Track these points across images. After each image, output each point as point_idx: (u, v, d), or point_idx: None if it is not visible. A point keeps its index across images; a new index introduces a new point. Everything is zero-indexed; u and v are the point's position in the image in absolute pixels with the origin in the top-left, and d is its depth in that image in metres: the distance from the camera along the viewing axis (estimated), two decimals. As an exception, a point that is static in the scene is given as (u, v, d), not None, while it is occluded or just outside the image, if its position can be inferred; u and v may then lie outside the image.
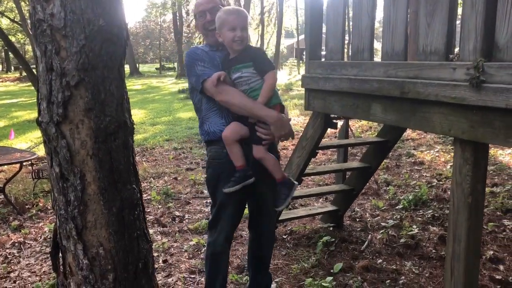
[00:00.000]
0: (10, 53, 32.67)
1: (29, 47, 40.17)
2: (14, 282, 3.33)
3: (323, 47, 3.07)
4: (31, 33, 2.04)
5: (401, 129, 3.71)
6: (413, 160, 6.61)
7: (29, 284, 3.28)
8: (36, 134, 9.76)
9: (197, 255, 3.64)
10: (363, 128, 9.25)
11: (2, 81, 32.58)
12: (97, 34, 1.92)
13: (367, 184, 4.75)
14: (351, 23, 2.77)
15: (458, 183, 1.99)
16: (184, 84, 23.55)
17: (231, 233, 2.65)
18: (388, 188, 5.31)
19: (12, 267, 3.58)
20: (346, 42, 3.45)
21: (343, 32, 2.78)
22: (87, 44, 1.90)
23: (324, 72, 2.86)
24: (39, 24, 1.89)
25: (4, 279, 3.37)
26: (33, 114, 13.32)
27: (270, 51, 40.56)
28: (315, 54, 3.07)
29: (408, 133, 8.21)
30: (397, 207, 4.64)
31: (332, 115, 3.14)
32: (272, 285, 3.08)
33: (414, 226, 4.06)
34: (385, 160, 5.98)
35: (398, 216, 4.37)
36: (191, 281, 3.26)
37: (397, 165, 6.44)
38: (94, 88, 1.95)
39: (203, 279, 3.16)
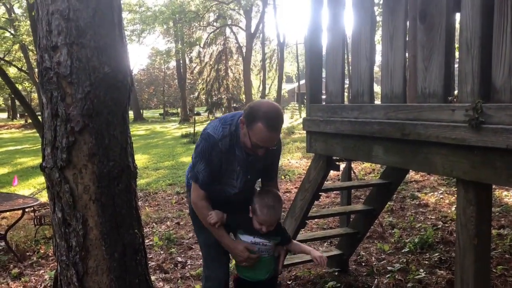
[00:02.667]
0: (16, 100, 33.28)
1: (35, 95, 40.96)
2: (12, 332, 3.25)
3: (323, 91, 3.12)
4: (37, 80, 2.10)
5: (403, 171, 3.71)
6: (417, 203, 6.55)
7: (27, 335, 3.19)
8: (39, 180, 9.76)
9: (200, 303, 3.55)
10: (366, 171, 9.23)
11: (7, 128, 32.96)
12: (102, 81, 1.97)
13: (372, 227, 4.68)
14: (350, 68, 2.82)
15: (463, 225, 1.97)
16: (187, 129, 23.77)
17: (224, 281, 2.60)
18: (393, 231, 5.24)
19: (11, 316, 3.49)
20: (345, 86, 3.50)
21: (342, 76, 2.83)
22: (92, 90, 1.95)
23: (324, 115, 2.90)
24: (46, 72, 1.95)
25: (1, 330, 3.29)
26: (37, 161, 13.38)
27: (272, 96, 41.15)
28: (315, 98, 3.12)
29: (412, 175, 8.19)
30: (403, 251, 4.55)
31: (335, 157, 3.15)
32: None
33: (421, 270, 3.97)
34: (389, 203, 5.94)
35: (404, 260, 4.28)
36: (193, 329, 3.17)
37: (402, 207, 6.37)
38: (98, 134, 1.98)
39: (206, 328, 3.07)
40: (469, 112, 1.85)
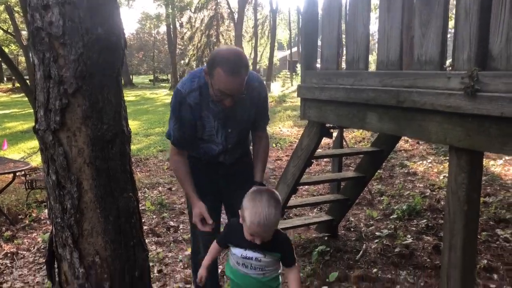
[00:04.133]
0: (3, 64, 32.61)
1: (22, 58, 40.05)
2: (7, 293, 3.29)
3: (318, 60, 3.10)
4: (25, 42, 2.06)
5: (395, 139, 3.74)
6: (406, 171, 6.65)
7: (22, 295, 3.24)
8: (30, 145, 9.70)
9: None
10: (357, 139, 9.29)
11: (-6, 92, 32.41)
12: (95, 43, 1.92)
13: (361, 194, 4.75)
14: (344, 36, 2.78)
15: (454, 192, 2.01)
16: (177, 96, 23.52)
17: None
18: (382, 198, 5.33)
19: (5, 277, 3.53)
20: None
21: (338, 42, 2.81)
22: (85, 52, 1.90)
23: (319, 82, 2.89)
24: (37, 32, 1.90)
25: (-4, 290, 3.33)
26: (26, 125, 13.25)
27: (263, 64, 40.77)
28: (310, 64, 3.10)
29: (401, 144, 8.27)
30: (391, 217, 4.65)
31: (328, 125, 3.16)
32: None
33: (409, 236, 4.07)
34: (378, 171, 6.01)
35: (392, 226, 4.37)
36: (186, 291, 3.24)
37: (391, 175, 6.47)
38: (91, 96, 1.95)
39: (198, 289, 3.14)
40: (465, 79, 1.85)
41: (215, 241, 2.10)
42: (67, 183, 1.97)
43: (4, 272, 3.64)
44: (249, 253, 1.91)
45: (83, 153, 1.96)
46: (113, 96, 2.05)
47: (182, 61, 41.10)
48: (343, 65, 2.94)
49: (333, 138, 3.83)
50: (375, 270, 3.47)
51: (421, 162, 7.08)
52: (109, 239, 2.03)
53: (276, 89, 25.94)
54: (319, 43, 3.07)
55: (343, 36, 3.64)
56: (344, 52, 2.89)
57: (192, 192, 2.35)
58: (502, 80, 1.72)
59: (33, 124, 2.07)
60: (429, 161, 7.11)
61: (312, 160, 3.42)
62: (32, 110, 13.94)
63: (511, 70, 1.73)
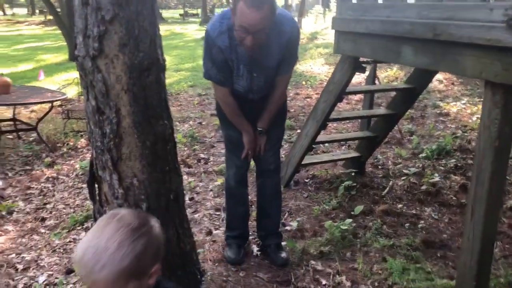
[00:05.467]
0: (34, -4, 32.57)
1: (52, -10, 39.86)
2: (50, 213, 3.54)
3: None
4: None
5: (428, 76, 3.66)
6: (438, 112, 6.54)
7: (64, 215, 3.47)
8: (64, 77, 9.90)
9: (222, 194, 3.76)
10: (390, 79, 9.09)
11: (27, 24, 32.67)
12: (131, -32, 1.92)
13: (391, 133, 4.74)
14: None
15: (486, 126, 2.00)
16: (207, 31, 23.18)
17: (243, 170, 2.75)
18: (411, 137, 5.31)
19: (48, 199, 3.78)
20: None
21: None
22: (121, -22, 1.91)
23: (355, 13, 2.82)
24: (74, -43, 1.90)
25: (41, 210, 3.58)
26: (60, 58, 13.45)
27: (295, -2, 39.34)
28: (346, -4, 3.01)
29: (435, 84, 8.07)
30: (419, 156, 4.65)
31: (361, 59, 3.11)
32: (293, 224, 3.21)
33: (436, 175, 4.09)
34: (409, 111, 5.93)
35: (420, 165, 4.39)
36: (216, 217, 3.41)
37: (422, 115, 6.38)
38: (128, 24, 1.98)
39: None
40: (508, 11, 1.79)
41: None
42: (106, 108, 2.04)
43: (47, 194, 3.90)
44: None
45: (121, 80, 2.02)
46: (149, 24, 2.07)
47: (212, -5, 40.10)
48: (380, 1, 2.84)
49: (366, 73, 3.78)
50: (400, 205, 3.55)
51: (454, 103, 6.93)
52: (146, 163, 2.13)
53: (307, 25, 25.20)
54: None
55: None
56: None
57: (246, 123, 2.56)
58: (548, 11, 1.66)
59: (66, 57, 2.13)
60: (463, 102, 6.95)
61: (343, 96, 3.41)
62: (65, 43, 14.11)
63: (558, 1, 1.65)
